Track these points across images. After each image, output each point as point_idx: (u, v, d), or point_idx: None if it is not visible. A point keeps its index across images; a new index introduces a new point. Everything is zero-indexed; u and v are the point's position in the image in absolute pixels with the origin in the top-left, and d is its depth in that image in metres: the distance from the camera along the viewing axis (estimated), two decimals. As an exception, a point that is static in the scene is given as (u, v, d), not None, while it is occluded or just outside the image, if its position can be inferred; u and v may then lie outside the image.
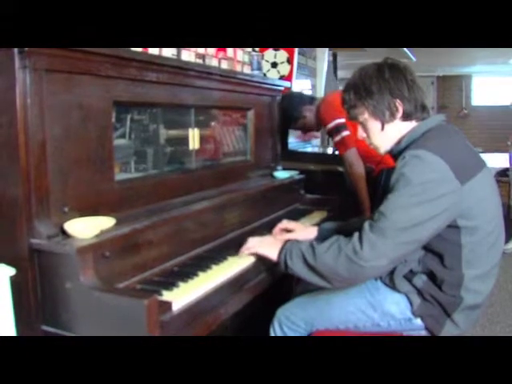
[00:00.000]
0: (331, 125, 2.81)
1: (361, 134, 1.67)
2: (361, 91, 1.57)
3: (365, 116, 1.60)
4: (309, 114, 3.03)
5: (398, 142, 1.59)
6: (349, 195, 2.73)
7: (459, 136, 1.58)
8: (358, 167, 2.74)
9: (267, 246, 1.63)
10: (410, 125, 1.58)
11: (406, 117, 1.57)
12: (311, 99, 3.16)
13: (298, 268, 1.52)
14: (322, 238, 1.90)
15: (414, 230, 1.40)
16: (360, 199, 2.75)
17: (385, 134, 1.60)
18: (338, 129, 2.75)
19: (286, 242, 1.60)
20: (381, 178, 2.66)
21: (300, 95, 3.24)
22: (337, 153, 3.68)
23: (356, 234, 1.44)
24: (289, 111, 3.02)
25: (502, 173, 5.63)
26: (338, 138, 2.78)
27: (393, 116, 1.56)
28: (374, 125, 1.60)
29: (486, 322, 3.24)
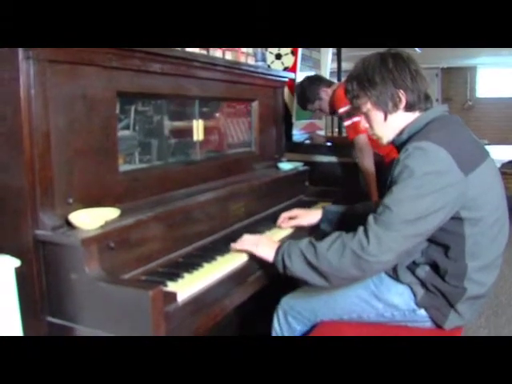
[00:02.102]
0: (343, 109, 2.90)
1: (364, 124, 1.66)
2: (364, 81, 1.56)
3: (368, 106, 1.59)
4: (325, 96, 3.15)
5: (400, 133, 1.58)
6: (355, 186, 2.73)
7: (462, 127, 1.57)
8: (368, 155, 2.79)
9: (263, 247, 1.58)
10: (413, 115, 1.57)
11: (410, 107, 1.56)
12: (329, 82, 3.27)
13: (298, 268, 1.48)
14: (326, 220, 1.90)
15: (419, 222, 1.38)
16: (369, 191, 2.77)
17: (388, 124, 1.59)
18: (350, 114, 2.81)
19: (283, 242, 1.58)
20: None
21: (319, 77, 3.38)
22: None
23: (361, 229, 1.42)
24: (306, 92, 3.19)
25: (509, 165, 5.61)
26: (348, 123, 2.86)
27: (396, 107, 1.55)
28: (376, 115, 1.59)
29: (491, 314, 3.24)
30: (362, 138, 2.78)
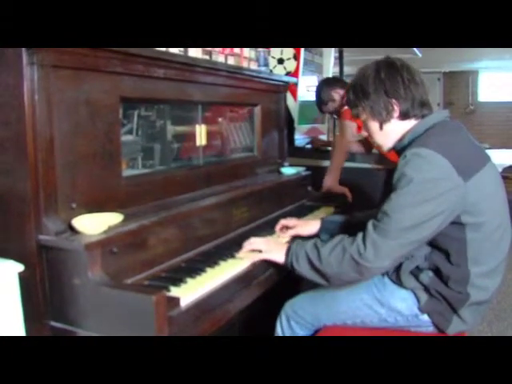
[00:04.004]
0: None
1: (364, 133, 1.69)
2: (358, 92, 1.60)
3: (364, 116, 1.62)
4: (337, 97, 3.13)
5: (401, 139, 1.60)
6: (358, 190, 2.73)
7: (462, 132, 1.57)
8: (346, 136, 2.78)
9: (273, 251, 1.62)
10: (409, 123, 1.58)
11: (404, 116, 1.57)
12: (344, 83, 3.22)
13: (304, 270, 1.54)
14: (325, 230, 1.90)
15: (417, 229, 1.40)
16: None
17: (384, 133, 1.62)
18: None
19: (292, 244, 1.60)
20: None
21: (335, 79, 3.38)
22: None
23: (360, 235, 1.45)
24: (321, 93, 3.19)
25: (510, 169, 5.60)
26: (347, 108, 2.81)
27: (389, 115, 1.58)
28: (373, 124, 1.62)
29: (494, 318, 3.23)
30: (349, 124, 2.78)
